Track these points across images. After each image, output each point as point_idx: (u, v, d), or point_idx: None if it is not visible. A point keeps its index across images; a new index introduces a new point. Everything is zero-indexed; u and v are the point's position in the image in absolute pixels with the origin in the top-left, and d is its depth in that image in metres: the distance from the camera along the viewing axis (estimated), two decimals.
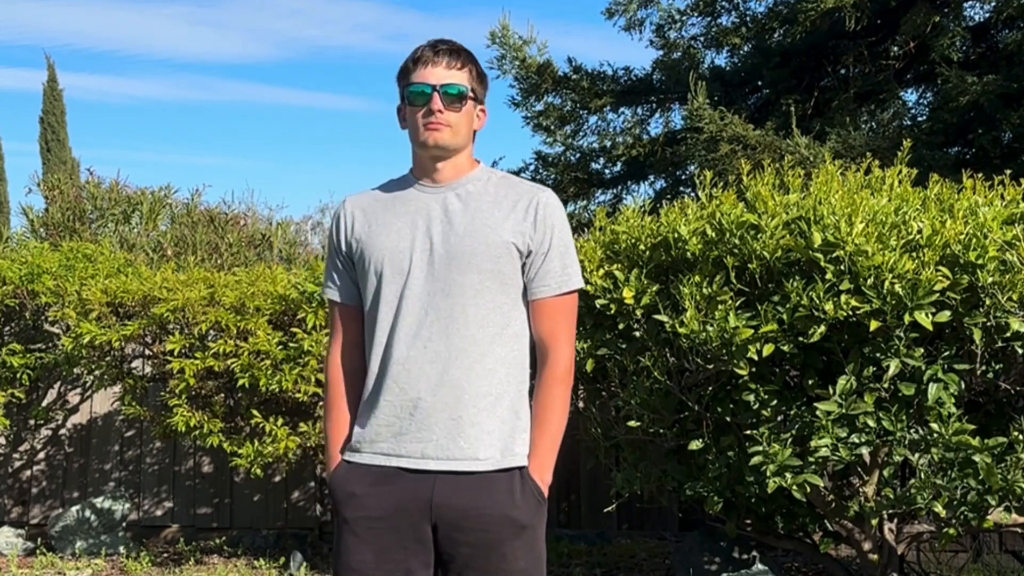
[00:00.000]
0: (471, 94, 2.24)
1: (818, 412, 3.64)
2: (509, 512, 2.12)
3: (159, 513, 6.78)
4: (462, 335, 2.14)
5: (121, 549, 6.18)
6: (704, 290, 3.72)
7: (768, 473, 3.67)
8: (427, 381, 2.14)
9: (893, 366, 3.56)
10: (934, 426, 3.60)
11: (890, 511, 4.00)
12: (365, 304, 2.24)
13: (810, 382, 3.79)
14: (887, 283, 3.47)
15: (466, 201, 2.22)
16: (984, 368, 3.72)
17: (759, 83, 8.82)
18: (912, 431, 3.65)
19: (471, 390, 2.14)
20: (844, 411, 3.62)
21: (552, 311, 2.21)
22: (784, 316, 3.63)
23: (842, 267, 3.55)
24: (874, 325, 3.50)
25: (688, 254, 3.84)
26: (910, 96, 8.74)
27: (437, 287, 2.16)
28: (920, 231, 3.63)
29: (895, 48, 8.26)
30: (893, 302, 3.47)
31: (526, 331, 2.22)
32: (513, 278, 2.19)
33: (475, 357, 2.14)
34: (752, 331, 3.62)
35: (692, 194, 7.89)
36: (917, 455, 3.68)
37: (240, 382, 5.31)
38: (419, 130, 2.21)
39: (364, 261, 2.23)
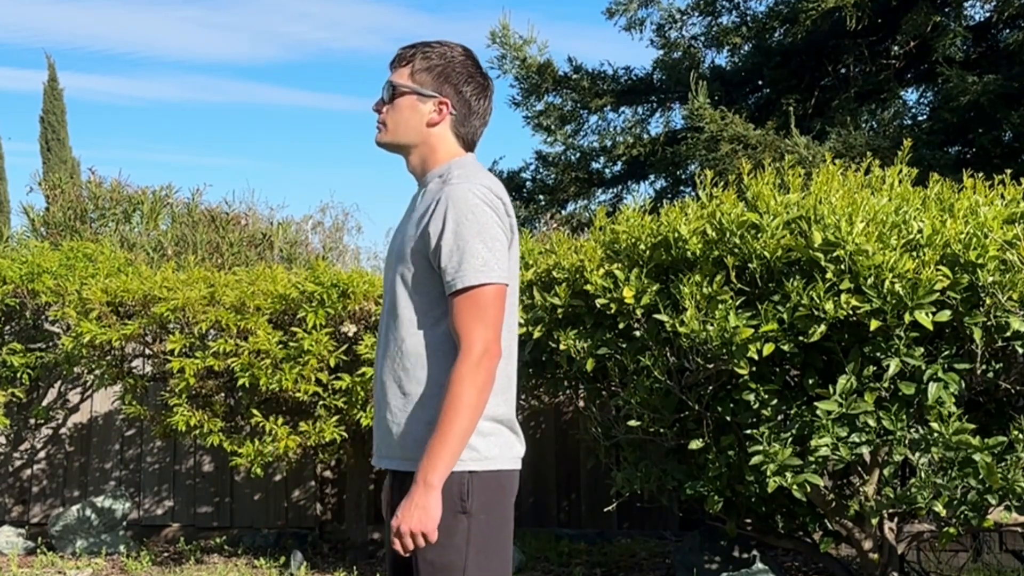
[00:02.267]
0: (406, 88, 2.19)
1: (818, 411, 3.64)
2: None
3: (159, 512, 6.78)
4: (391, 333, 2.19)
5: (121, 548, 6.19)
6: (704, 289, 3.72)
7: (768, 472, 3.67)
8: None
9: (893, 365, 3.56)
10: (934, 425, 3.60)
11: (890, 510, 4.00)
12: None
13: (810, 381, 3.79)
14: (887, 282, 3.47)
15: (420, 199, 2.22)
16: (984, 367, 3.72)
17: (759, 83, 8.82)
18: (912, 430, 3.65)
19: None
20: (844, 410, 3.62)
21: (455, 307, 2.08)
22: (784, 315, 3.63)
23: (842, 266, 3.55)
24: (874, 324, 3.50)
25: (688, 254, 3.84)
26: (910, 96, 8.75)
27: (386, 287, 2.25)
28: (920, 230, 3.63)
29: (896, 48, 8.26)
30: (893, 301, 3.47)
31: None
32: (420, 277, 2.13)
33: (393, 354, 2.22)
34: (752, 330, 3.62)
35: (692, 194, 7.89)
36: (917, 454, 3.68)
37: (240, 381, 5.31)
38: None
39: None
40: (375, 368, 2.24)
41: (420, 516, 2.02)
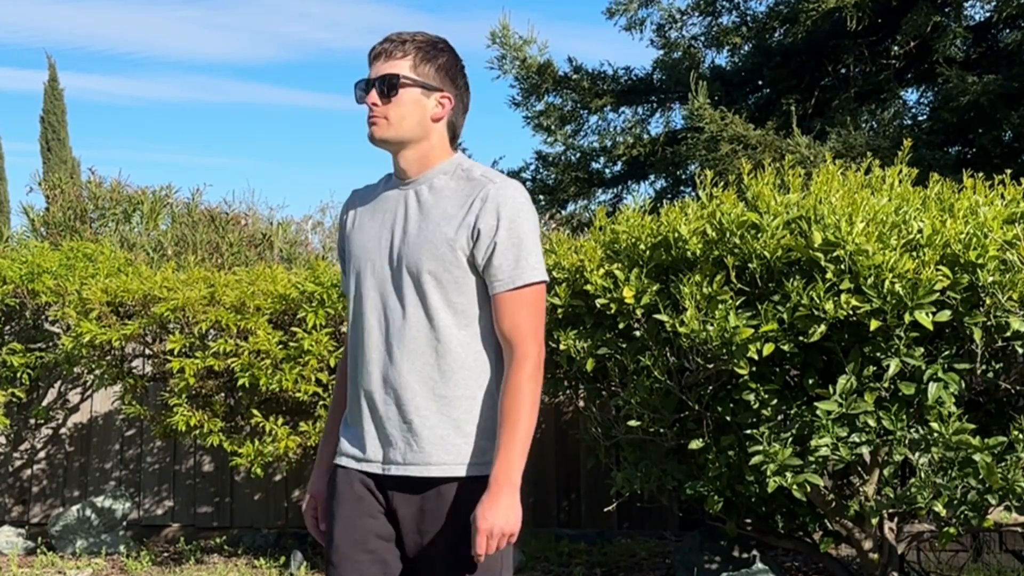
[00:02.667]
0: (408, 81, 2.14)
1: (818, 411, 3.64)
2: None
3: (159, 512, 6.78)
4: (410, 339, 2.14)
5: (121, 548, 6.19)
6: (704, 289, 3.72)
7: (768, 472, 3.67)
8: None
9: (893, 365, 3.56)
10: (934, 425, 3.60)
11: (890, 510, 4.00)
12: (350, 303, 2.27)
13: (810, 381, 3.79)
14: (887, 282, 3.47)
15: (428, 198, 2.16)
16: (984, 367, 3.72)
17: (760, 83, 8.81)
18: (912, 430, 3.65)
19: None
20: (844, 410, 3.62)
21: (510, 306, 2.10)
22: (784, 315, 3.63)
23: (842, 266, 3.55)
24: (874, 324, 3.50)
25: (688, 253, 3.84)
26: (911, 96, 8.74)
27: (391, 288, 2.15)
28: (920, 230, 3.63)
29: (896, 48, 8.25)
30: (893, 301, 3.47)
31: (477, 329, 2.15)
32: (456, 276, 2.11)
33: (415, 361, 2.14)
34: (752, 330, 3.62)
35: (692, 194, 7.89)
36: (917, 454, 3.68)
37: (240, 381, 5.31)
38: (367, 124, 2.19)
39: (346, 257, 2.28)
40: (382, 373, 2.14)
41: (513, 517, 2.06)
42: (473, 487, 2.08)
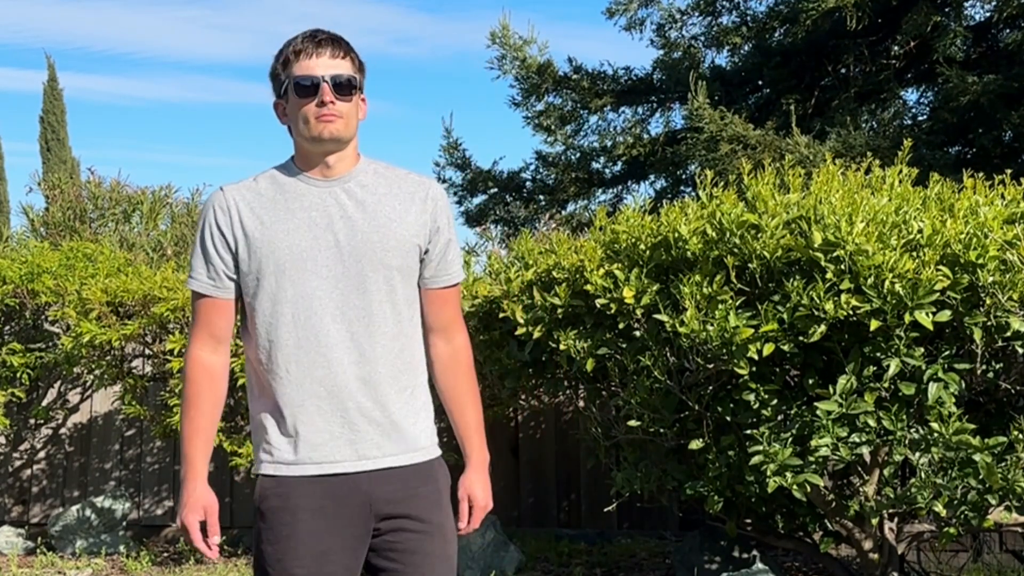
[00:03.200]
0: (357, 83, 2.19)
1: (818, 411, 3.64)
2: None
3: (159, 512, 6.78)
4: (377, 333, 2.17)
5: (121, 548, 6.19)
6: (704, 290, 3.72)
7: (768, 472, 3.67)
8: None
9: (893, 365, 3.56)
10: (934, 425, 3.59)
11: (890, 510, 4.00)
12: (254, 302, 2.16)
13: (810, 381, 3.79)
14: (887, 282, 3.47)
15: (363, 195, 2.19)
16: (984, 367, 3.72)
17: (759, 83, 8.81)
18: (912, 430, 3.65)
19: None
20: (844, 410, 3.62)
21: (455, 297, 2.32)
22: (784, 316, 3.63)
23: (842, 266, 3.55)
24: (874, 324, 3.50)
25: (688, 254, 3.84)
26: (911, 96, 8.74)
27: (350, 285, 2.14)
28: (920, 231, 3.63)
29: (896, 48, 8.25)
30: (893, 301, 3.47)
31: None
32: (414, 271, 2.23)
33: (385, 353, 2.19)
34: (752, 331, 3.62)
35: (692, 194, 7.88)
36: (917, 454, 3.68)
37: (240, 381, 5.31)
38: (310, 123, 2.13)
39: (255, 258, 2.14)
40: (357, 371, 2.14)
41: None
42: (441, 466, 2.25)
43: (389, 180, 2.23)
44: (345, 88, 2.15)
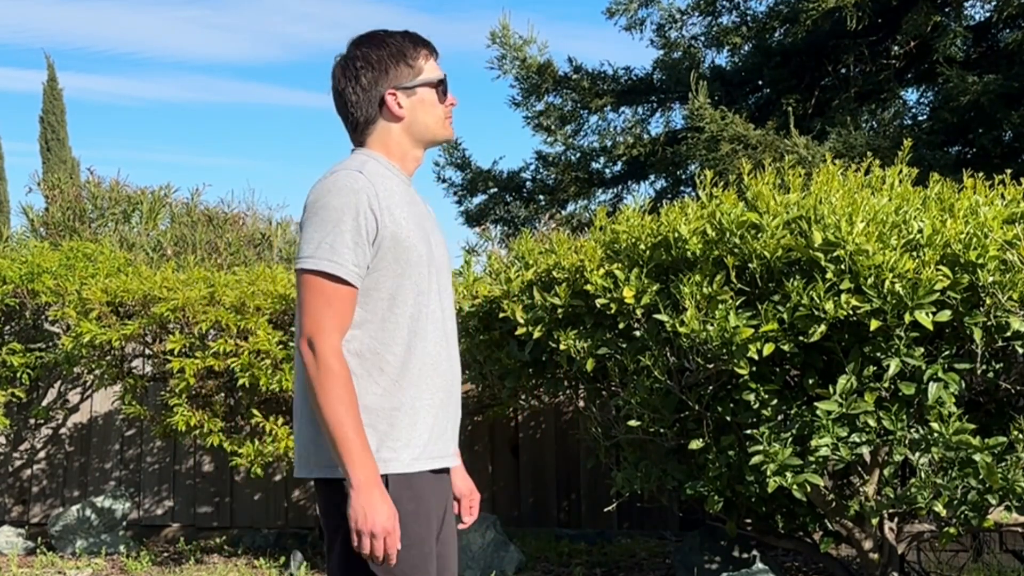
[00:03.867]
0: None
1: (818, 411, 3.64)
2: None
3: (159, 512, 6.78)
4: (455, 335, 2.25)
5: (121, 548, 6.18)
6: (704, 289, 3.72)
7: (768, 472, 3.67)
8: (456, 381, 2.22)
9: (893, 365, 3.56)
10: (934, 425, 3.60)
11: (890, 510, 4.00)
12: (397, 291, 2.07)
13: (810, 381, 3.79)
14: (887, 282, 3.47)
15: (420, 200, 2.24)
16: (984, 367, 3.72)
17: (760, 83, 8.81)
18: (912, 430, 3.65)
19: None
20: (844, 410, 3.62)
21: None
22: (784, 315, 3.63)
23: (842, 266, 3.55)
24: (874, 324, 3.50)
25: (688, 253, 3.84)
26: (911, 96, 8.74)
27: (443, 285, 2.19)
28: (920, 230, 3.63)
29: (896, 48, 8.25)
30: (893, 301, 3.47)
31: None
32: None
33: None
34: (752, 330, 3.62)
35: (692, 194, 7.89)
36: (917, 454, 3.68)
37: (240, 381, 5.31)
38: (443, 123, 2.18)
39: (400, 247, 2.05)
40: (456, 368, 2.20)
41: None
42: None
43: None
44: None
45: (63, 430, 6.97)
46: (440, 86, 2.16)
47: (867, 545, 4.17)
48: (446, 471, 2.17)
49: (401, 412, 2.04)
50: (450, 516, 2.21)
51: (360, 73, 2.13)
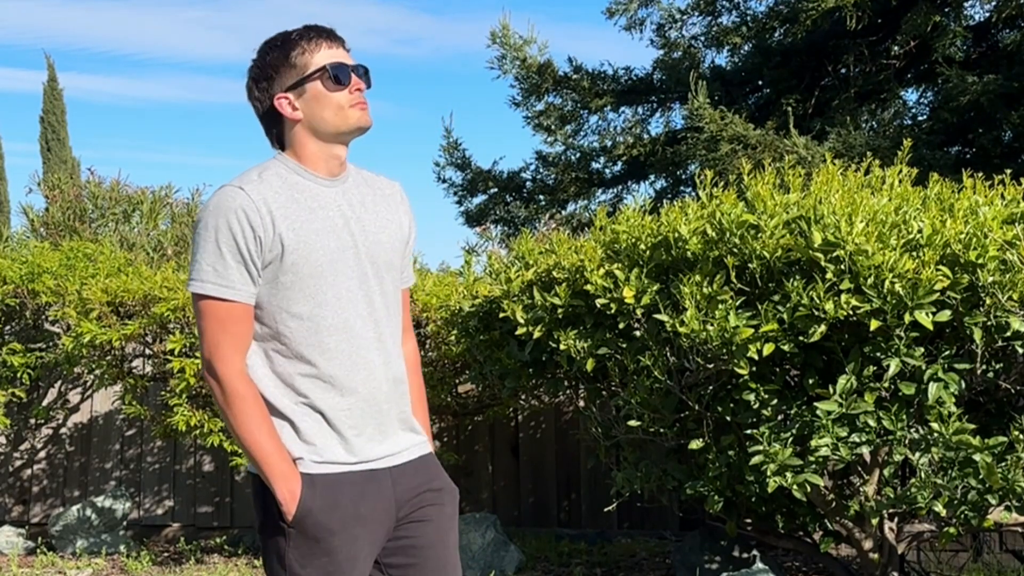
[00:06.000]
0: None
1: (818, 411, 3.64)
2: None
3: (160, 512, 6.78)
4: (394, 333, 2.20)
5: (122, 548, 6.19)
6: (704, 290, 3.72)
7: (768, 472, 3.67)
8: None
9: (893, 365, 3.56)
10: (934, 425, 3.60)
11: (890, 510, 4.00)
12: (289, 305, 2.05)
13: (810, 381, 3.79)
14: (887, 282, 3.47)
15: (359, 196, 2.16)
16: (984, 367, 3.72)
17: (759, 83, 8.82)
18: (912, 430, 3.65)
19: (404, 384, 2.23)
20: (844, 410, 3.62)
21: (408, 300, 2.35)
22: (784, 315, 3.63)
23: (842, 266, 3.55)
24: (874, 324, 3.50)
25: (688, 253, 3.84)
26: (910, 96, 8.75)
27: (371, 286, 2.13)
28: (920, 230, 3.63)
29: (896, 48, 8.26)
30: (893, 301, 3.47)
31: None
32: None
33: (399, 352, 2.22)
34: (752, 330, 3.62)
35: (692, 194, 7.89)
36: (917, 454, 3.68)
37: None
38: (344, 111, 2.07)
39: (290, 260, 2.03)
40: (388, 372, 2.15)
41: None
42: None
43: (367, 181, 2.22)
44: (367, 78, 2.13)
45: (63, 430, 6.97)
46: (324, 74, 2.06)
47: (867, 545, 4.17)
48: (387, 471, 2.11)
49: (307, 417, 2.06)
50: (433, 514, 2.16)
51: (253, 84, 2.13)
